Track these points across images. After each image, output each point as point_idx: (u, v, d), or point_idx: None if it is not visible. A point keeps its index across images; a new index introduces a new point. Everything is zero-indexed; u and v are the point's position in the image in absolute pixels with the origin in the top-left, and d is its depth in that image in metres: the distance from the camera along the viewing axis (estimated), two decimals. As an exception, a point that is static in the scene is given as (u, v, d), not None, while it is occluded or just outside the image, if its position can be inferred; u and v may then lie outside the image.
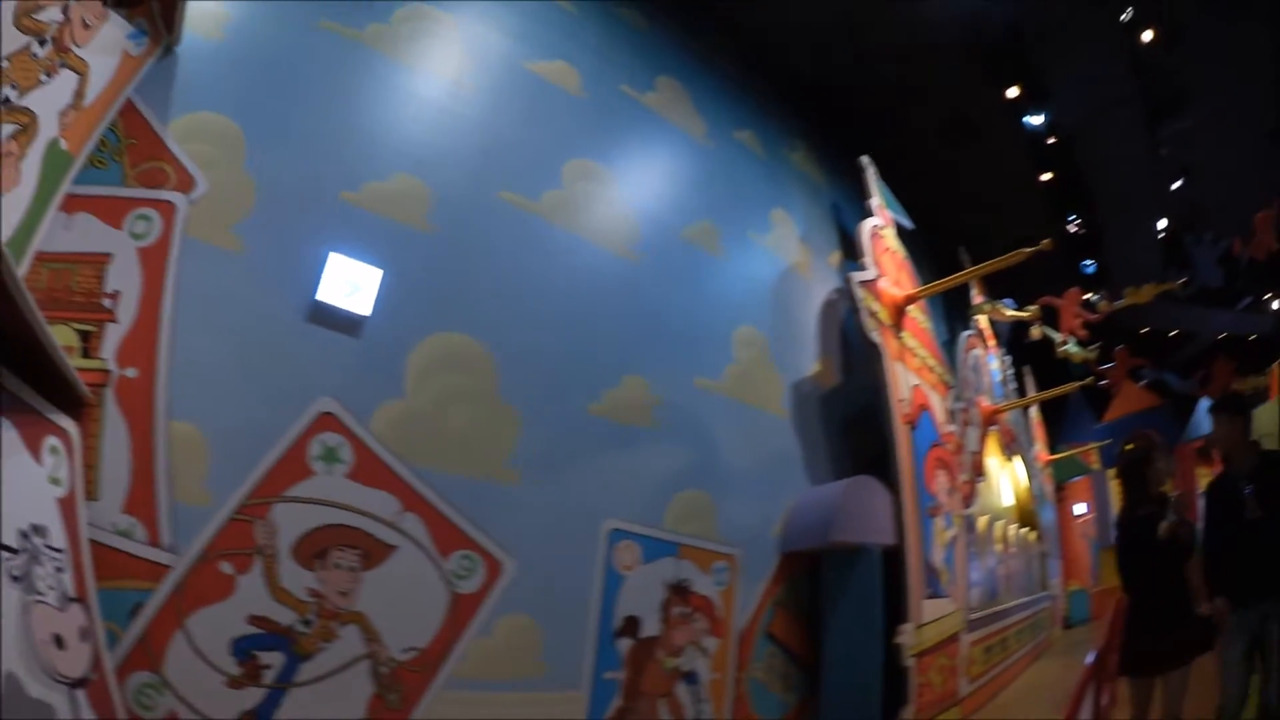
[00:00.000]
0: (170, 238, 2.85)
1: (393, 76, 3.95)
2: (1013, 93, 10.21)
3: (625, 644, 4.06)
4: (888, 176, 8.60)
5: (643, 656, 4.13)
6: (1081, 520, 16.14)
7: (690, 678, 4.38)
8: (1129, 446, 4.54)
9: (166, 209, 2.90)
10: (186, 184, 2.99)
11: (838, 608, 5.38)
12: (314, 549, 2.90)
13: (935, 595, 6.33)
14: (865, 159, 8.14)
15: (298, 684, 2.79)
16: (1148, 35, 10.59)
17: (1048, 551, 12.89)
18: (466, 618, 3.34)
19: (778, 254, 6.81)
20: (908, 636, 5.41)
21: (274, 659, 2.76)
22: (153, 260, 2.79)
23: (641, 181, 5.40)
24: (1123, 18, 10.14)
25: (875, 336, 6.40)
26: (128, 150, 2.89)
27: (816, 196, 8.03)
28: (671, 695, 4.25)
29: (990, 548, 9.12)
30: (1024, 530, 11.16)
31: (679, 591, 4.46)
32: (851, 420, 6.81)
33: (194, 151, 3.03)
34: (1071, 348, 11.89)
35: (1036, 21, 9.98)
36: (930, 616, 6.05)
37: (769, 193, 7.03)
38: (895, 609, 5.54)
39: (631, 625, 4.12)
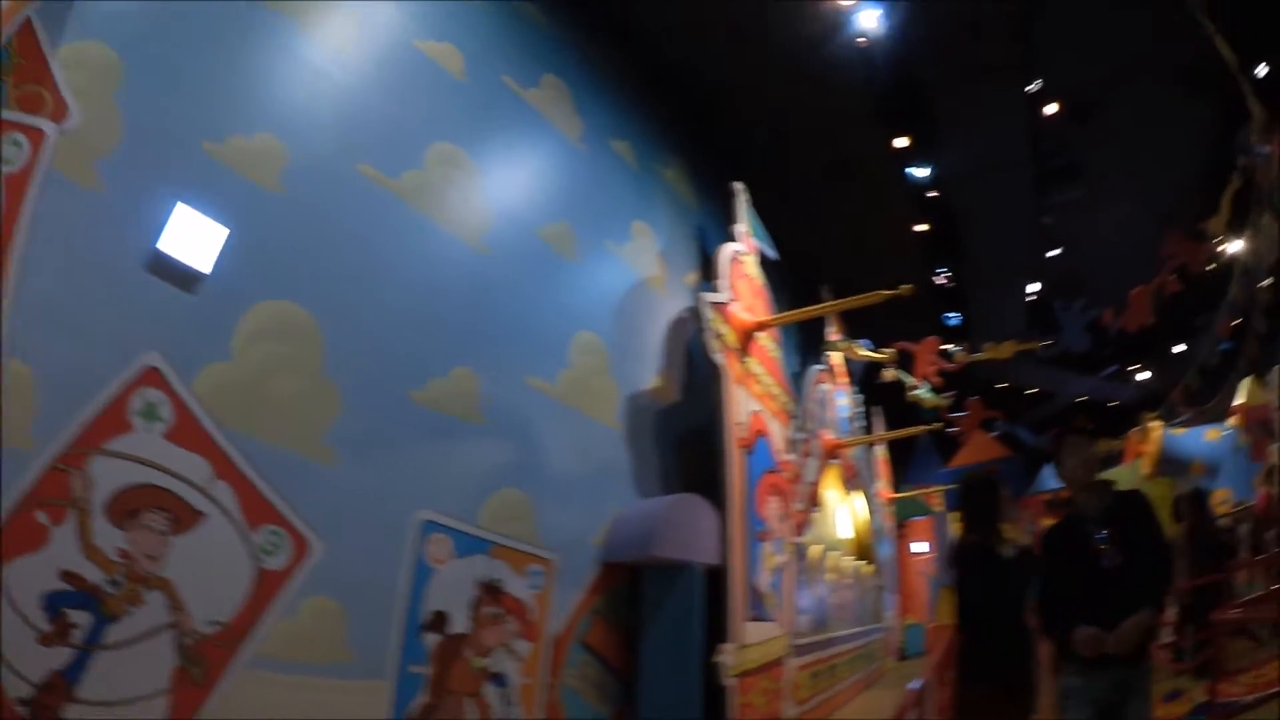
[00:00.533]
0: (35, 167, 3.06)
1: (278, 32, 4.27)
2: (901, 142, 11.63)
3: (433, 639, 4.48)
4: (761, 206, 9.53)
5: (450, 653, 4.56)
6: (921, 558, 17.96)
7: (499, 679, 4.86)
8: (976, 474, 4.87)
9: (37, 136, 3.10)
10: (61, 113, 3.19)
11: (657, 622, 6.02)
12: (126, 507, 3.16)
13: (760, 618, 7.14)
14: (739, 185, 9.08)
15: (104, 647, 3.03)
16: (1052, 108, 12.31)
17: (884, 585, 14.43)
18: (271, 595, 3.66)
19: (633, 266, 7.52)
20: (728, 656, 6.12)
21: (82, 619, 3.00)
22: (14, 189, 2.99)
23: (506, 175, 5.94)
24: (1030, 87, 11.77)
25: (718, 358, 7.20)
26: (15, 69, 3.07)
27: (683, 215, 8.89)
28: (479, 696, 4.70)
29: (822, 577, 10.21)
30: (860, 563, 12.50)
31: (490, 591, 4.93)
32: (686, 439, 7.54)
33: (75, 80, 3.24)
34: (923, 393, 13.41)
35: (939, 76, 11.36)
36: (754, 639, 6.83)
37: (634, 204, 7.78)
38: (719, 629, 6.27)
39: (440, 620, 4.55)
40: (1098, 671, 3.52)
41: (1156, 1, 9.15)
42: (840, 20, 9.43)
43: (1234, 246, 13.74)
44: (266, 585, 3.68)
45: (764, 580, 7.44)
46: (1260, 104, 9.63)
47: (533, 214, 6.17)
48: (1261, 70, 11.53)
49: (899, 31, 9.77)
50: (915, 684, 5.03)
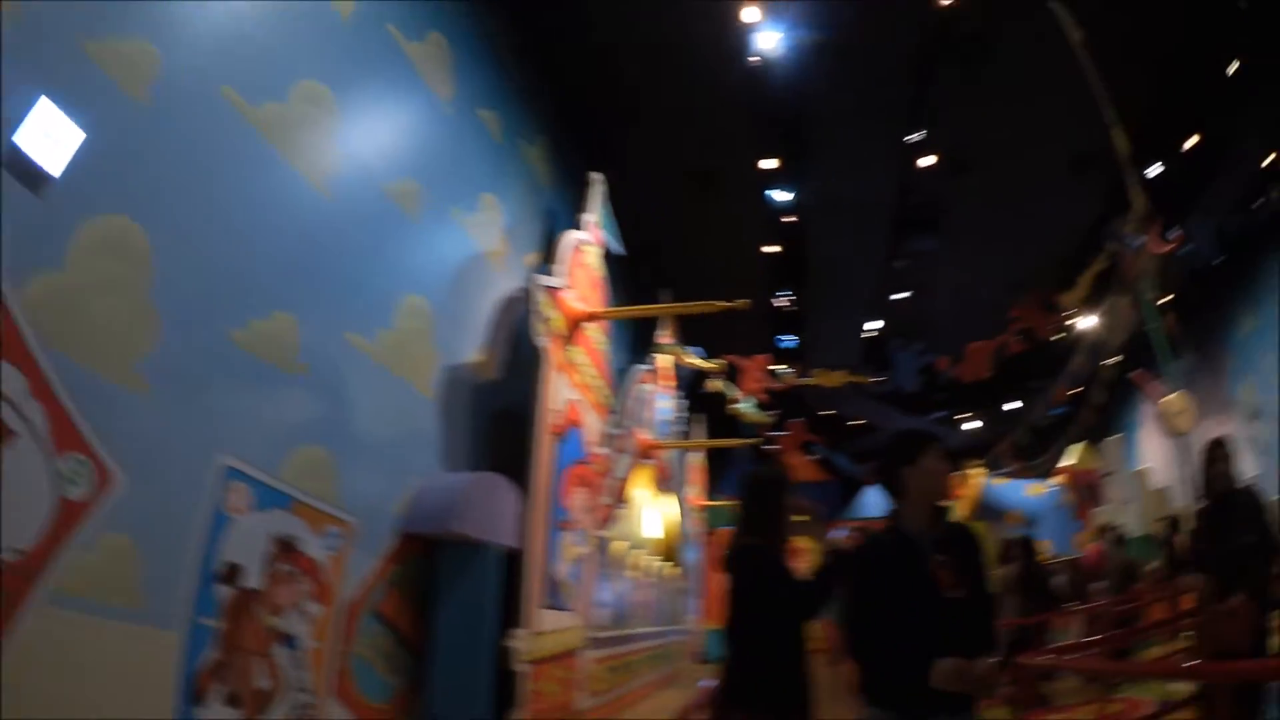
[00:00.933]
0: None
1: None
2: (769, 164, 12.54)
3: (225, 592, 4.61)
4: (617, 201, 10.15)
5: (242, 609, 4.70)
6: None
7: (290, 641, 5.05)
8: (762, 470, 4.85)
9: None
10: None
11: (451, 600, 6.37)
12: (-60, 418, 3.10)
13: (557, 607, 7.67)
14: (597, 175, 9.65)
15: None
16: (929, 160, 13.57)
17: (688, 588, 15.47)
18: (70, 527, 3.72)
19: (475, 237, 7.90)
20: (520, 641, 6.56)
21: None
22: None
23: (367, 124, 6.22)
24: (910, 137, 12.91)
25: (542, 341, 7.67)
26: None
27: (536, 195, 9.44)
28: (269, 656, 4.88)
29: (624, 573, 10.93)
30: (666, 564, 13.41)
31: (286, 548, 5.10)
32: (499, 418, 7.93)
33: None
34: (746, 407, 14.45)
35: (824, 108, 12.29)
36: (550, 627, 7.30)
37: (489, 176, 8.22)
38: (515, 613, 6.72)
39: (233, 573, 4.66)
40: (913, 716, 3.31)
41: (1063, 83, 10.20)
42: (739, 36, 10.17)
43: (1085, 322, 15.62)
44: (67, 516, 3.74)
45: (563, 570, 7.97)
46: (1143, 198, 10.95)
47: (384, 168, 6.43)
48: (1154, 170, 13.34)
49: (794, 58, 10.63)
50: (706, 682, 5.50)
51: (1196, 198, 14.05)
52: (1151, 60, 12.30)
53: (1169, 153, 13.71)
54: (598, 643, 9.04)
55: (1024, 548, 11.19)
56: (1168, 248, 12.61)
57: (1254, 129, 13.49)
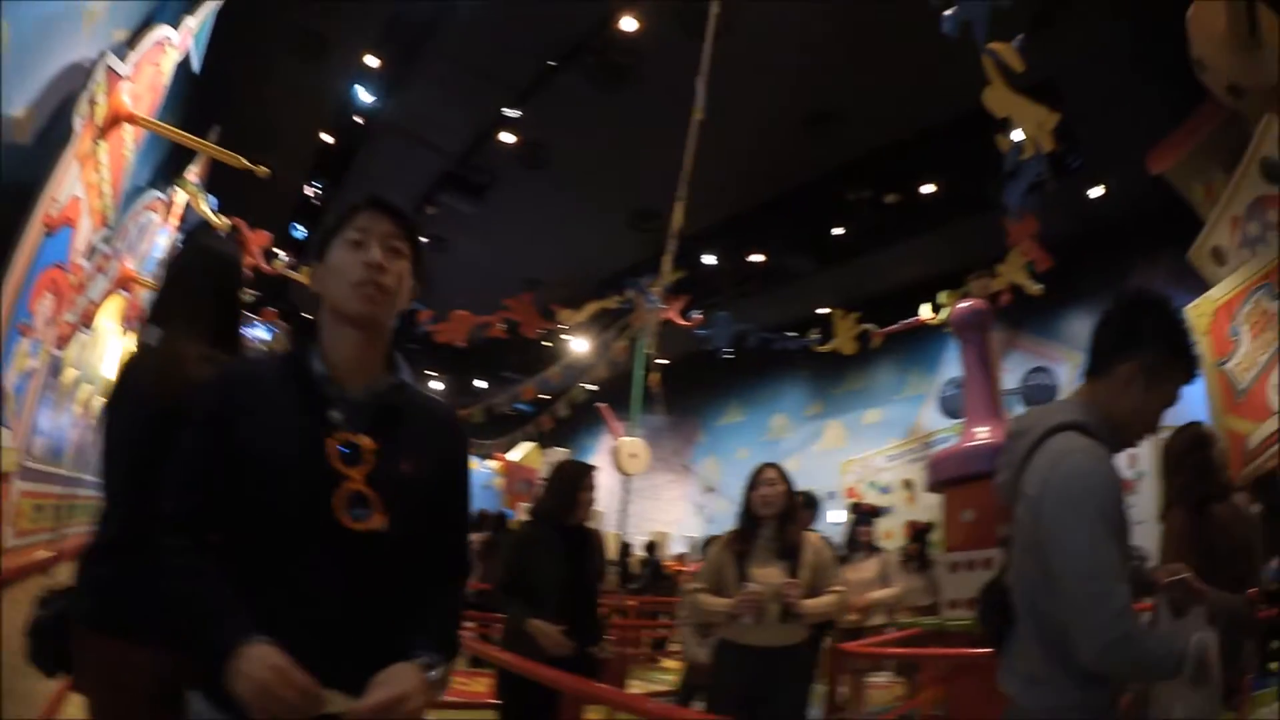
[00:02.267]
0: None
1: None
2: (373, 61, 12.92)
3: None
4: (227, 23, 10.14)
5: None
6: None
7: None
8: (211, 238, 3.83)
9: None
10: None
11: None
12: None
13: (-3, 421, 7.28)
14: None
15: None
16: (510, 138, 14.61)
17: None
18: None
19: (86, -10, 7.38)
20: (-40, 449, 6.26)
21: None
22: None
23: None
24: (507, 110, 13.80)
25: (77, 123, 7.33)
26: None
27: None
28: None
29: (70, 406, 10.28)
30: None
31: None
32: (5, 190, 7.47)
33: None
34: (229, 273, 14.46)
35: (452, 43, 13.10)
36: (-13, 443, 6.96)
37: None
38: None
39: None
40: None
41: (667, 141, 11.48)
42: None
43: (576, 343, 17.66)
44: None
45: (9, 380, 7.54)
46: (674, 272, 12.67)
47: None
48: (711, 261, 15.68)
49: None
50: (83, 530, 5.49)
51: (737, 299, 16.75)
52: (774, 175, 14.56)
53: (732, 253, 16.31)
54: (27, 474, 8.51)
55: (498, 520, 12.77)
56: (681, 323, 14.79)
57: (826, 280, 16.62)
